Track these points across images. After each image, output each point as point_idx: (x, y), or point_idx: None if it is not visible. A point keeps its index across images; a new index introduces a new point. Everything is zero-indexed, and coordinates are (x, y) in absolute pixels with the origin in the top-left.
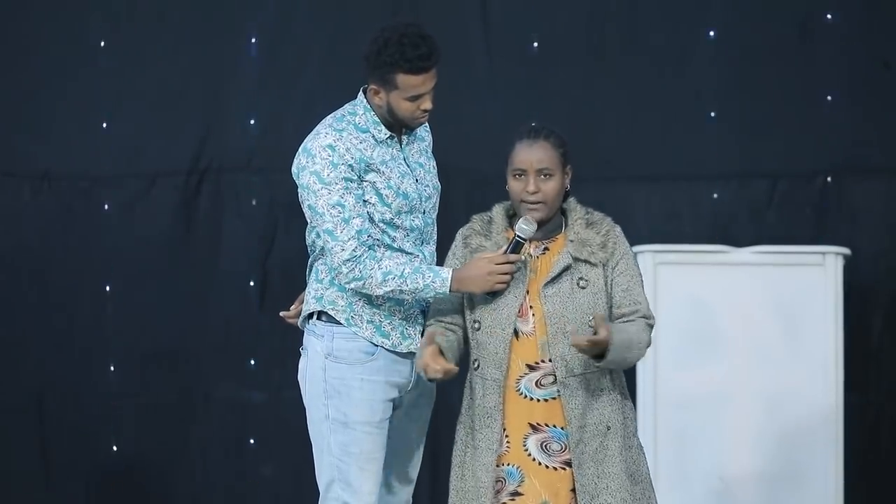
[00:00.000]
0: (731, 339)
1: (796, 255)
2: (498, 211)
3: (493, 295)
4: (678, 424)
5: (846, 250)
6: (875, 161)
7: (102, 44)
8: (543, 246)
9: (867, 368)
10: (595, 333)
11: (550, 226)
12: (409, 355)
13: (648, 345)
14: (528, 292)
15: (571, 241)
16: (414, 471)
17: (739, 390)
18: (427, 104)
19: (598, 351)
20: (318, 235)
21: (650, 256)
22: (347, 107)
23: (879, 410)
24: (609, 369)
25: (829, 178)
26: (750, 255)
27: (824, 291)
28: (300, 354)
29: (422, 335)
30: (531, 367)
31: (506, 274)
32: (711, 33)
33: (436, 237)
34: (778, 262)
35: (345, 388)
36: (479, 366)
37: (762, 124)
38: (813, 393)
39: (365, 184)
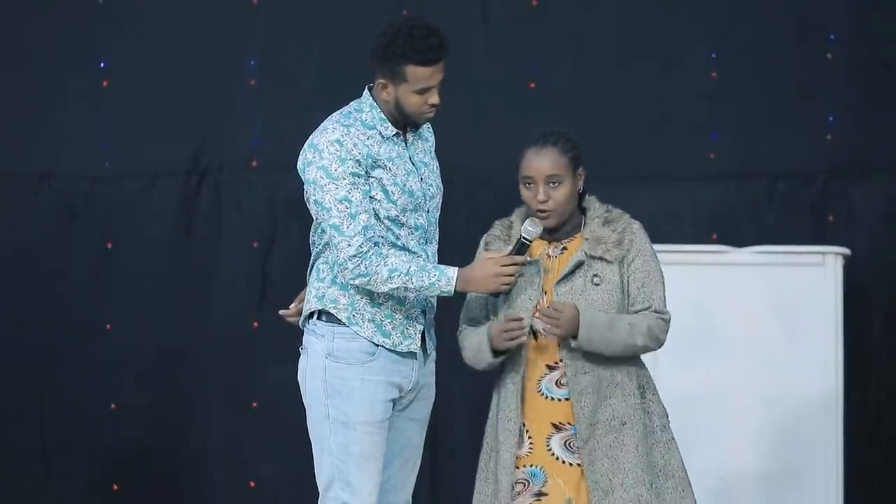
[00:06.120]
0: (731, 339)
1: (796, 256)
2: (517, 215)
3: (508, 296)
4: (678, 424)
5: (846, 250)
6: (875, 161)
7: (103, 44)
8: (562, 246)
9: (867, 368)
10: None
11: (568, 226)
12: (410, 355)
13: (658, 339)
14: (545, 292)
15: (587, 239)
16: (414, 471)
17: (739, 390)
18: (435, 98)
19: (572, 331)
20: (324, 231)
21: None
22: (353, 104)
23: (879, 410)
24: (625, 365)
25: (829, 178)
26: (750, 255)
27: (824, 291)
28: (300, 354)
29: (421, 335)
30: (550, 367)
31: (510, 276)
32: (711, 33)
33: (437, 238)
34: (778, 263)
35: (345, 388)
36: (502, 367)
37: (762, 124)
38: (813, 393)
39: (371, 180)
